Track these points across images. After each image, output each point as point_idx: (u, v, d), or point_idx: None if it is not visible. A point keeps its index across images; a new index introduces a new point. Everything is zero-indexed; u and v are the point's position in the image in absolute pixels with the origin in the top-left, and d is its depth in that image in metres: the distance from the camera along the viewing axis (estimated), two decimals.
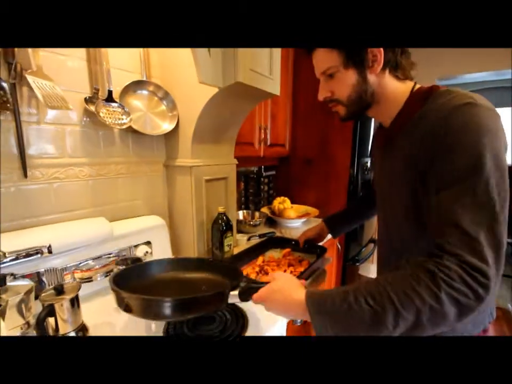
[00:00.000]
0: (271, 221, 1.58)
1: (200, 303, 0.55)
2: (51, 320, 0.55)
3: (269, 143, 1.54)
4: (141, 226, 0.91)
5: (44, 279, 0.68)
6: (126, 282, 0.71)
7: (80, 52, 0.77)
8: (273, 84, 0.95)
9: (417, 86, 0.57)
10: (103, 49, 0.79)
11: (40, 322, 0.53)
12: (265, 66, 0.90)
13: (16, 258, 0.62)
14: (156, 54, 0.95)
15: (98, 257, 0.79)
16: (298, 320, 0.88)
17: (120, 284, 0.65)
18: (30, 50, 0.65)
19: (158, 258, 0.84)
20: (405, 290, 0.40)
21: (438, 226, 0.44)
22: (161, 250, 0.97)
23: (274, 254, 1.06)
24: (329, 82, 0.59)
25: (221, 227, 1.00)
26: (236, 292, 0.55)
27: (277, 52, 0.94)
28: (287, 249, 1.04)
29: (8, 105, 0.66)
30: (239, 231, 1.36)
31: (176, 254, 1.05)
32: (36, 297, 0.59)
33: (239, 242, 1.25)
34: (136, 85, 0.88)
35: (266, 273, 0.88)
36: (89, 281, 0.76)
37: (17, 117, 0.67)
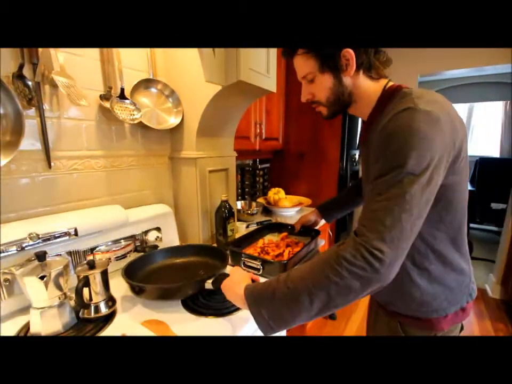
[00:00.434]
0: (267, 210, 1.68)
1: (185, 288, 0.71)
2: (85, 290, 0.64)
3: (264, 137, 1.64)
4: (151, 214, 0.99)
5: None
6: (136, 271, 0.81)
7: (95, 53, 0.84)
8: (270, 82, 1.04)
9: (390, 83, 0.62)
10: (115, 50, 0.85)
11: (79, 291, 0.61)
12: (263, 66, 0.98)
13: (48, 239, 0.69)
14: (161, 54, 1.02)
15: (117, 240, 0.87)
16: None
17: (131, 273, 0.77)
18: (52, 51, 0.72)
19: (163, 248, 0.95)
20: (316, 272, 0.48)
21: (362, 218, 0.51)
22: (170, 236, 1.05)
23: (272, 237, 1.16)
24: (309, 86, 0.65)
25: (224, 214, 1.09)
26: (210, 281, 0.67)
27: (273, 52, 1.02)
28: (284, 233, 1.14)
29: (33, 102, 0.72)
30: (238, 220, 1.45)
31: (183, 239, 1.13)
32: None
33: (238, 230, 1.34)
34: (146, 83, 0.95)
35: (268, 253, 0.98)
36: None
37: (41, 113, 0.74)
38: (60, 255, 0.73)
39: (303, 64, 0.62)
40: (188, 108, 1.03)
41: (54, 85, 0.75)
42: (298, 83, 0.67)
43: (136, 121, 0.90)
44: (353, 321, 2.01)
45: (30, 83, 0.71)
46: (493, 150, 4.28)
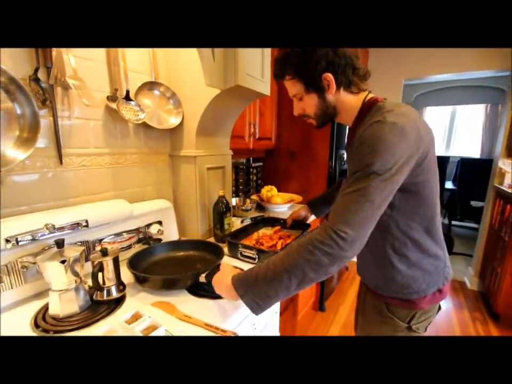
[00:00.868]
0: (260, 207, 1.76)
1: (183, 280, 0.78)
2: (99, 275, 0.70)
3: (257, 136, 1.72)
4: (153, 208, 1.05)
5: None
6: (140, 262, 0.88)
7: (102, 57, 0.90)
8: (265, 86, 1.12)
9: (369, 96, 0.72)
10: (121, 53, 0.92)
11: (95, 275, 0.68)
12: (258, 70, 1.06)
13: (62, 230, 0.75)
14: (163, 58, 1.08)
15: (123, 232, 0.93)
16: None
17: (135, 264, 0.83)
18: (65, 56, 0.78)
19: (165, 241, 1.02)
20: (293, 254, 0.58)
21: (333, 207, 0.61)
22: (170, 229, 1.12)
23: (266, 231, 1.25)
24: (299, 103, 0.76)
25: (221, 209, 1.16)
26: (204, 275, 0.75)
27: (268, 57, 1.10)
28: (277, 227, 1.23)
29: (47, 103, 0.78)
30: (233, 215, 1.52)
31: (182, 233, 1.20)
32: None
33: (233, 224, 1.41)
34: (150, 85, 1.01)
35: (262, 245, 1.06)
36: None
37: (54, 113, 0.79)
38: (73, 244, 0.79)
39: (292, 87, 0.73)
40: (188, 109, 1.10)
41: (65, 87, 0.81)
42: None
43: (140, 121, 0.96)
44: (341, 312, 2.12)
45: (44, 85, 0.77)
46: (474, 151, 4.49)
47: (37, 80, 0.75)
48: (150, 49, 1.02)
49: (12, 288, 0.70)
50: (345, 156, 2.05)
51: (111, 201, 0.92)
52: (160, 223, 1.07)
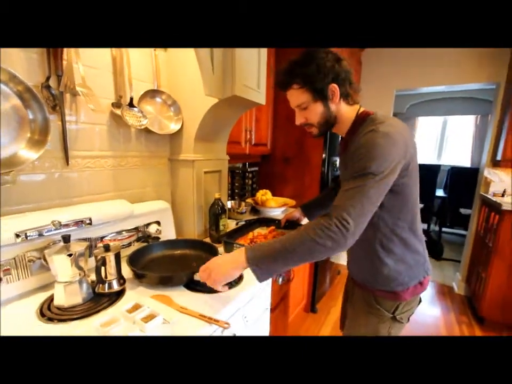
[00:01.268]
0: (255, 210, 1.82)
1: (178, 277, 0.84)
2: (102, 269, 0.75)
3: (253, 142, 1.79)
4: (152, 209, 1.11)
5: None
6: (139, 259, 0.93)
7: (108, 66, 0.96)
8: (260, 96, 1.19)
9: (361, 109, 0.81)
10: (126, 62, 0.98)
11: (98, 269, 0.73)
12: (254, 82, 1.13)
13: (67, 226, 0.80)
14: (165, 68, 1.15)
15: (123, 231, 0.98)
16: (280, 279, 1.13)
17: (135, 261, 0.88)
18: (75, 65, 0.84)
19: (162, 240, 1.07)
20: (304, 234, 0.66)
21: (336, 201, 0.70)
22: (168, 229, 1.17)
23: (261, 231, 1.31)
24: (303, 112, 0.80)
25: (217, 210, 1.22)
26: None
27: (263, 69, 1.17)
28: (272, 227, 1.29)
29: (57, 108, 0.84)
30: (228, 217, 1.58)
31: (179, 233, 1.25)
32: None
33: (228, 226, 1.47)
34: (152, 93, 1.08)
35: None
36: None
37: (63, 118, 0.85)
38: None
39: (298, 96, 0.77)
40: (187, 116, 1.16)
41: (73, 94, 0.87)
42: (285, 95, 0.82)
43: (142, 127, 1.02)
44: (333, 314, 2.17)
45: (54, 92, 0.82)
46: (465, 160, 4.62)
47: (48, 87, 0.81)
48: (153, 59, 1.08)
49: (18, 280, 0.75)
50: (337, 162, 2.13)
51: (113, 201, 0.98)
52: (158, 223, 1.13)
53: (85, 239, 0.87)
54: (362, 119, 0.78)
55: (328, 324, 2.05)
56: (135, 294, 0.79)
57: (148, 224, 1.09)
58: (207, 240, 1.23)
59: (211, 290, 0.82)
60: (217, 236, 1.24)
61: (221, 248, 1.09)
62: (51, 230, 0.77)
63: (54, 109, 0.83)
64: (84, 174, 0.94)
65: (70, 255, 0.68)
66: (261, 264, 0.68)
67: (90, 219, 0.85)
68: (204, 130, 1.17)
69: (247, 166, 2.06)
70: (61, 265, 0.69)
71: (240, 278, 0.90)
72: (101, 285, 0.76)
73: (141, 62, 1.06)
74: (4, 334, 0.61)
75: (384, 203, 0.73)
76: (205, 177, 1.26)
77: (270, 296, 1.01)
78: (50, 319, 0.67)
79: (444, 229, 4.07)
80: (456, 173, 3.92)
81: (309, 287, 2.03)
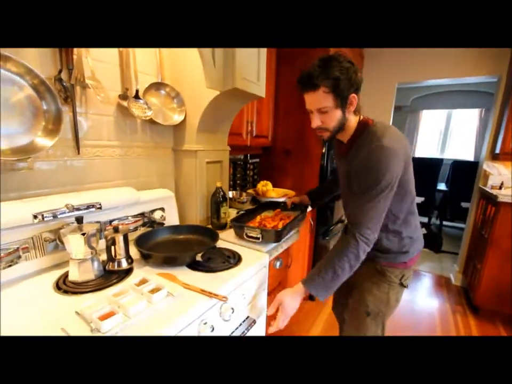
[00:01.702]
0: (256, 200, 1.88)
1: (182, 258, 0.91)
2: (112, 248, 0.82)
3: (254, 134, 1.83)
4: (157, 196, 1.17)
5: None
6: (145, 242, 1.00)
7: (115, 60, 1.01)
8: (260, 89, 1.23)
9: (361, 117, 0.89)
10: (132, 57, 1.03)
11: (108, 248, 0.80)
12: (254, 75, 1.18)
13: (79, 210, 0.87)
14: (168, 62, 1.20)
15: (130, 216, 1.05)
16: (278, 263, 1.19)
17: (141, 243, 0.94)
18: (85, 60, 0.89)
19: (167, 225, 1.13)
20: (340, 256, 0.85)
21: (353, 215, 0.87)
22: (171, 216, 1.24)
23: (268, 214, 1.41)
24: (321, 116, 0.85)
25: (218, 199, 1.28)
26: (199, 254, 0.88)
27: (263, 63, 1.22)
28: (278, 210, 1.41)
29: (68, 100, 0.90)
30: (230, 207, 1.64)
31: (182, 220, 1.32)
32: None
33: (229, 214, 1.53)
34: (157, 86, 1.13)
35: (265, 226, 1.19)
36: None
37: (74, 109, 0.91)
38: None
39: (323, 99, 0.81)
40: (190, 108, 1.22)
41: (83, 87, 0.93)
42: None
43: (147, 118, 1.08)
44: (330, 301, 2.24)
45: (66, 85, 0.88)
46: (468, 154, 4.61)
47: (60, 80, 0.87)
48: (157, 53, 1.13)
49: (36, 257, 0.82)
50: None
51: (120, 188, 1.04)
52: (163, 209, 1.19)
53: (95, 223, 0.93)
54: (362, 128, 0.88)
55: (326, 310, 2.13)
56: (142, 272, 0.86)
57: (153, 211, 1.16)
58: (209, 227, 1.29)
59: (211, 270, 0.89)
60: (218, 223, 1.30)
61: (222, 234, 1.15)
62: (65, 213, 0.83)
63: (65, 101, 0.89)
64: (94, 163, 1.01)
65: (83, 234, 0.75)
66: (317, 290, 0.87)
67: (100, 204, 0.92)
68: (206, 121, 1.22)
69: (248, 157, 2.11)
70: (75, 244, 0.76)
71: (239, 259, 0.97)
72: (111, 263, 0.83)
73: (146, 56, 1.11)
74: (24, 306, 0.68)
75: None
76: (207, 167, 1.31)
77: (267, 278, 1.08)
78: (66, 292, 0.74)
79: (444, 223, 4.11)
80: (458, 167, 3.93)
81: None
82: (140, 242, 0.95)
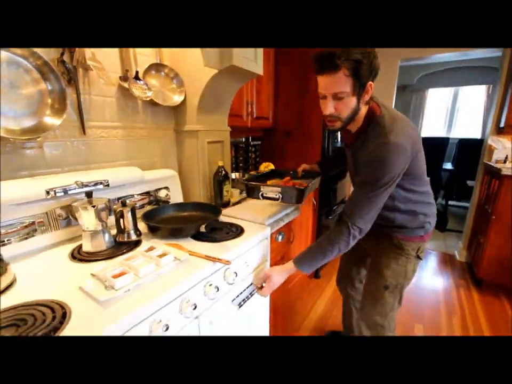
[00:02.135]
0: None
1: (187, 229, 0.95)
2: (121, 221, 0.87)
3: (255, 115, 1.85)
4: (161, 175, 1.21)
5: None
6: (151, 218, 1.04)
7: None
8: (257, 66, 1.24)
9: (370, 104, 0.86)
10: None
11: (117, 220, 0.85)
12: (251, 53, 1.19)
13: (88, 186, 0.92)
14: None
15: (138, 194, 1.10)
16: (280, 237, 1.23)
17: (148, 218, 0.99)
18: None
19: (172, 203, 1.18)
20: (332, 244, 0.89)
21: (350, 205, 0.89)
22: (176, 195, 1.28)
23: (277, 181, 1.31)
24: (336, 102, 0.78)
25: (220, 177, 1.32)
26: (203, 226, 0.93)
27: None
28: (287, 178, 1.32)
29: (72, 82, 0.93)
30: (232, 187, 1.68)
31: (187, 199, 1.37)
32: None
33: (232, 194, 1.57)
34: (156, 67, 1.15)
35: None
36: None
37: (77, 91, 0.94)
38: None
39: (342, 83, 0.74)
40: (190, 88, 1.24)
41: (85, 68, 0.96)
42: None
43: (148, 99, 1.11)
44: (334, 280, 2.30)
45: (68, 66, 0.91)
46: (476, 133, 4.52)
47: (63, 62, 0.90)
48: None
49: (51, 231, 0.87)
50: (338, 134, 2.17)
51: (126, 168, 1.09)
52: (167, 188, 1.24)
53: None
54: (370, 119, 0.86)
55: (329, 288, 2.18)
56: (150, 243, 0.91)
57: (158, 190, 1.21)
58: (212, 204, 1.33)
59: (215, 240, 0.93)
60: (221, 202, 1.34)
61: (225, 211, 1.19)
62: (75, 189, 0.88)
63: (69, 83, 0.92)
64: (99, 143, 1.05)
65: (93, 207, 0.80)
66: (305, 267, 0.93)
67: (107, 181, 0.97)
68: (205, 101, 1.25)
69: (250, 140, 2.13)
70: (86, 216, 0.81)
71: (242, 231, 1.01)
72: (120, 235, 0.88)
73: None
74: (42, 272, 0.74)
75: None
76: (208, 147, 1.35)
77: (269, 250, 1.12)
78: (80, 260, 0.79)
79: (450, 202, 4.09)
80: (464, 145, 3.88)
81: None
82: (147, 217, 1.00)
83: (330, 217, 2.23)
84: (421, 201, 1.00)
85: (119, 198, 1.04)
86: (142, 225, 0.96)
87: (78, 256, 0.81)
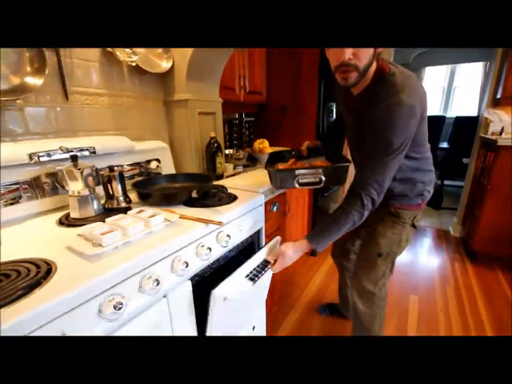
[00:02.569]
0: (252, 158, 1.89)
1: (179, 194, 0.93)
2: (109, 187, 0.85)
3: (247, 90, 1.80)
4: (151, 147, 1.18)
5: None
6: (143, 188, 1.00)
7: None
8: None
9: (375, 64, 0.78)
10: None
11: (105, 185, 0.83)
12: None
13: (72, 152, 0.88)
14: None
15: (127, 164, 1.07)
16: (274, 208, 1.22)
17: (140, 187, 0.96)
18: None
19: (164, 174, 1.15)
20: (346, 215, 0.85)
21: (361, 174, 0.84)
22: (167, 167, 1.25)
23: (283, 164, 1.13)
24: (355, 48, 0.70)
25: (212, 149, 1.29)
26: (195, 191, 0.92)
27: None
28: (292, 159, 1.12)
29: None
30: (226, 162, 1.65)
31: (179, 171, 1.34)
32: None
33: (227, 169, 1.55)
34: None
35: None
36: None
37: (57, 53, 0.90)
38: None
39: None
40: (177, 55, 1.19)
41: None
42: None
43: (133, 63, 1.06)
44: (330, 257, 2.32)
45: None
46: (473, 111, 4.49)
47: None
48: None
49: (37, 199, 0.85)
50: (334, 108, 2.13)
51: (114, 136, 1.05)
52: (158, 160, 1.21)
53: None
54: (378, 77, 0.79)
55: (326, 264, 2.20)
56: (141, 208, 0.89)
57: (149, 161, 1.17)
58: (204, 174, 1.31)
59: (207, 206, 0.91)
60: (214, 174, 1.32)
61: (218, 182, 1.16)
62: (59, 153, 0.85)
63: None
64: (84, 110, 1.01)
65: (79, 169, 0.77)
66: (320, 244, 0.88)
67: (93, 148, 0.93)
68: (194, 68, 1.20)
69: (243, 116, 2.09)
70: (72, 179, 0.78)
71: (235, 197, 0.99)
72: (109, 201, 0.86)
73: None
74: (30, 235, 0.71)
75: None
76: (200, 119, 1.31)
77: (263, 218, 1.11)
78: (69, 225, 0.77)
79: (445, 182, 4.10)
80: (460, 123, 3.85)
81: (309, 229, 2.15)
82: (138, 185, 0.97)
83: (326, 194, 2.22)
84: (421, 168, 0.98)
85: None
86: (133, 196, 0.94)
87: (66, 221, 0.79)
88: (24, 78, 0.80)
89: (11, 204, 0.79)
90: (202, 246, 0.76)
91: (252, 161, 1.86)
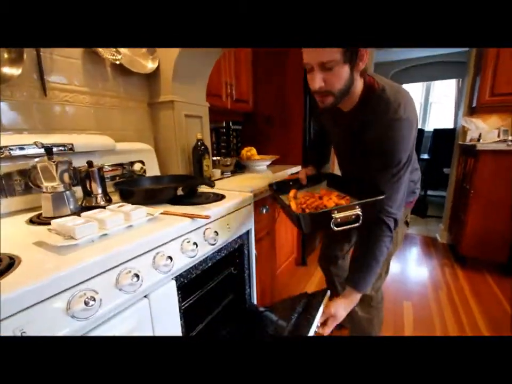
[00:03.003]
0: (240, 166, 1.86)
1: (164, 191, 0.90)
2: (87, 183, 0.79)
3: (234, 98, 1.81)
4: (134, 148, 1.14)
5: None
6: (128, 187, 0.96)
7: None
8: None
9: (366, 79, 0.73)
10: None
11: (83, 181, 0.77)
12: None
13: (49, 148, 0.83)
14: None
15: (109, 165, 1.01)
16: (264, 210, 1.18)
17: (122, 185, 0.91)
18: None
19: (148, 175, 1.10)
20: (379, 246, 0.80)
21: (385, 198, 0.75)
22: (152, 170, 1.20)
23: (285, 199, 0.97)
24: (324, 74, 0.65)
25: (199, 151, 1.26)
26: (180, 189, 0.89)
27: None
28: (293, 190, 0.99)
29: None
30: (213, 168, 1.62)
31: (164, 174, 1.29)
32: None
33: (214, 174, 1.51)
34: None
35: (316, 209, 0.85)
36: None
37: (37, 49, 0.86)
38: None
39: (328, 52, 0.63)
40: (163, 56, 1.18)
41: None
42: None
43: (117, 62, 1.03)
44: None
45: None
46: (449, 124, 4.73)
47: None
48: None
49: (6, 197, 0.78)
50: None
51: (95, 135, 1.00)
52: (142, 162, 1.16)
53: None
54: (368, 94, 0.74)
55: (317, 273, 2.15)
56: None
57: (132, 163, 1.12)
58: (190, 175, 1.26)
59: (194, 204, 0.87)
60: (200, 176, 1.28)
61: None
62: (33, 148, 0.79)
63: None
64: (64, 108, 0.96)
65: (54, 162, 0.71)
66: (368, 287, 0.85)
67: (72, 145, 0.88)
68: (180, 70, 1.19)
69: (230, 124, 2.08)
70: (45, 174, 0.72)
71: (223, 197, 0.95)
72: (87, 198, 0.80)
73: None
74: None
75: None
76: (186, 121, 1.28)
77: (253, 219, 1.07)
78: (40, 224, 0.70)
79: (428, 192, 4.21)
80: (439, 134, 4.03)
81: (297, 242, 2.11)
82: (119, 185, 0.92)
83: None
84: (411, 168, 0.95)
85: None
86: (115, 198, 0.88)
87: (37, 220, 0.72)
88: (2, 69, 0.75)
89: None
90: (188, 242, 0.70)
91: (239, 169, 1.84)
